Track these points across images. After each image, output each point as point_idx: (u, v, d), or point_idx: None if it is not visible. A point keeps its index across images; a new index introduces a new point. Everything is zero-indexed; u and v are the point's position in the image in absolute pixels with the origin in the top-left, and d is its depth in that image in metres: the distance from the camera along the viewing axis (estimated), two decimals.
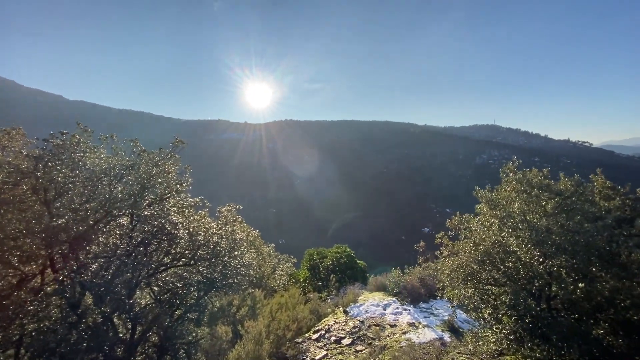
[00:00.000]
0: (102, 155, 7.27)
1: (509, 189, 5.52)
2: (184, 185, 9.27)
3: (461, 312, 10.65)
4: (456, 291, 6.25)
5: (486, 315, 5.46)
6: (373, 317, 10.54)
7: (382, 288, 13.22)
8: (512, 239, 5.06)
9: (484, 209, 6.18)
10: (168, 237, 8.51)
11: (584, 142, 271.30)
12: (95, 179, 7.09)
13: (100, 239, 7.78)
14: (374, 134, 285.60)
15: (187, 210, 9.26)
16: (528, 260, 4.75)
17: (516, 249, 4.91)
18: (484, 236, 5.52)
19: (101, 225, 7.51)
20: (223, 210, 9.66)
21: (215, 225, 9.36)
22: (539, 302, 4.82)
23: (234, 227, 9.60)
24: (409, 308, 10.97)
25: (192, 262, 9.10)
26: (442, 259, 7.58)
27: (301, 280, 18.26)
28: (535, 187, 5.09)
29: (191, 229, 8.61)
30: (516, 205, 5.17)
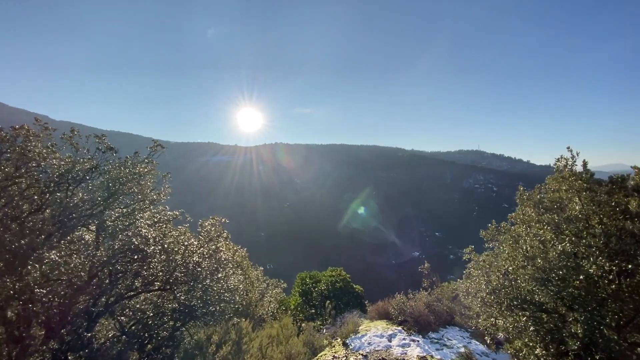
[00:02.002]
0: (59, 155, 6.02)
1: (564, 187, 4.57)
2: (161, 194, 8.03)
3: (477, 342, 9.40)
4: (498, 320, 5.09)
5: (538, 351, 4.29)
6: (377, 351, 9.14)
7: (384, 316, 11.84)
8: (581, 248, 4.05)
9: (529, 213, 5.15)
10: (139, 255, 7.15)
11: None
12: (49, 182, 5.83)
13: (53, 256, 6.39)
14: (363, 157, 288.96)
15: (164, 225, 7.96)
16: (598, 276, 3.73)
17: (583, 262, 3.88)
18: (539, 245, 4.46)
19: (54, 240, 6.15)
20: (206, 224, 8.38)
21: (196, 243, 8.05)
22: (619, 334, 3.76)
23: (219, 245, 8.30)
24: (418, 339, 9.63)
25: (167, 286, 7.71)
26: (469, 279, 6.46)
27: (292, 307, 16.65)
28: (602, 184, 4.16)
29: (167, 246, 7.29)
30: (577, 208, 4.20)
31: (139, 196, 6.82)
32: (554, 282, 3.95)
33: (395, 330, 10.25)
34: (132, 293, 7.80)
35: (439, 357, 8.54)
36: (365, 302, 17.17)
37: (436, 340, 9.53)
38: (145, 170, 6.85)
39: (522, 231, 4.98)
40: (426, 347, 9.08)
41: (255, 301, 11.32)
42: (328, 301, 13.74)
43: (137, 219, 6.75)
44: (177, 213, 8.49)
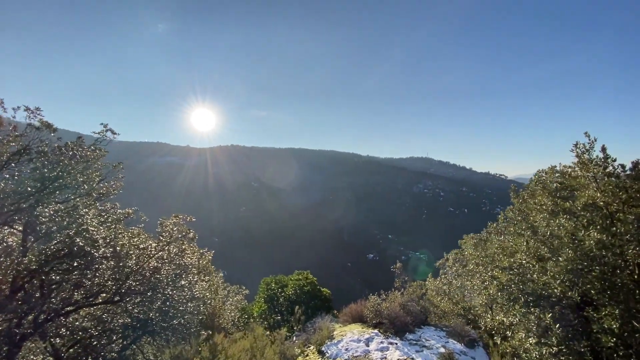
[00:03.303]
0: None
1: (582, 174, 4.45)
2: (111, 189, 6.77)
3: (454, 341, 9.32)
4: (510, 318, 4.77)
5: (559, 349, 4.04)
6: (356, 357, 8.63)
7: (358, 319, 11.40)
8: (610, 237, 3.90)
9: (545, 202, 4.88)
10: (83, 261, 5.85)
11: (501, 175, 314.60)
12: None
13: None
14: (321, 162, 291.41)
15: (113, 225, 6.69)
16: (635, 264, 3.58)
17: (624, 249, 3.71)
18: (568, 236, 4.21)
19: None
20: (167, 223, 7.21)
21: (154, 245, 6.87)
22: None
23: (183, 247, 7.19)
24: (396, 341, 9.31)
25: (116, 298, 6.44)
26: (470, 275, 6.17)
27: (255, 315, 15.56)
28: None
29: (118, 250, 6.08)
30: (598, 195, 4.06)
31: (84, 187, 5.54)
32: (594, 273, 3.75)
33: (372, 334, 9.84)
34: (70, 308, 6.40)
35: (420, 359, 8.27)
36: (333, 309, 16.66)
37: (414, 342, 9.28)
38: (93, 155, 5.62)
39: (542, 221, 4.79)
40: (406, 350, 8.77)
41: (219, 310, 10.20)
42: (297, 306, 12.97)
43: (82, 216, 5.47)
44: (130, 211, 7.23)
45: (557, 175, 5.10)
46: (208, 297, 7.79)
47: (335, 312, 15.27)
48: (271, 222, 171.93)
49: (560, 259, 4.07)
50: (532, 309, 4.32)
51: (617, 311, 3.57)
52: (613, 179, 4.07)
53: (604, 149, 4.42)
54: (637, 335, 3.61)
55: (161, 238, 6.93)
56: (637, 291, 3.69)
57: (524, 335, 4.42)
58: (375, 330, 10.09)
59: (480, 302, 5.39)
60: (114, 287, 6.13)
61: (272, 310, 15.10)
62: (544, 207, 4.90)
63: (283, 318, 14.47)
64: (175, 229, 7.06)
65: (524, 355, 4.76)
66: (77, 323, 6.71)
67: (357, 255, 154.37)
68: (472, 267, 6.35)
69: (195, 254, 7.70)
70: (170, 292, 6.75)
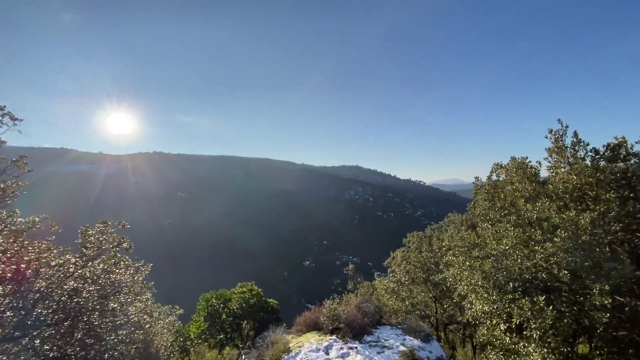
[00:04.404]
0: None
1: (556, 158, 4.75)
2: (9, 189, 5.24)
3: (410, 338, 9.44)
4: (491, 305, 4.72)
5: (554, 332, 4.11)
6: None
7: (313, 327, 10.85)
8: (590, 216, 4.13)
9: (527, 188, 5.01)
10: None
11: (420, 181, 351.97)
12: None
13: None
14: (255, 170, 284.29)
15: (12, 238, 5.13)
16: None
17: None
18: (562, 217, 4.33)
19: None
20: (91, 232, 5.77)
21: (74, 260, 5.43)
22: None
23: (113, 262, 5.82)
24: (355, 345, 9.02)
25: (17, 333, 4.88)
26: (448, 265, 6.11)
27: (194, 336, 13.87)
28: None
29: (22, 268, 4.62)
30: (574, 178, 4.33)
31: None
32: (593, 250, 3.95)
33: (331, 341, 9.41)
34: None
35: None
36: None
37: (374, 343, 9.13)
38: None
39: (524, 206, 4.99)
40: (367, 353, 8.55)
41: (154, 335, 8.63)
42: (245, 321, 11.86)
43: None
44: (37, 219, 5.65)
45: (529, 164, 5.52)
46: (146, 320, 6.44)
47: (284, 324, 14.49)
48: (200, 234, 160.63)
49: (555, 239, 4.29)
50: (518, 295, 4.47)
51: (606, 287, 3.85)
52: (587, 161, 4.51)
53: (575, 135, 4.88)
54: (626, 308, 3.95)
55: (84, 251, 5.48)
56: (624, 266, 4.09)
57: (498, 323, 4.55)
58: (333, 337, 9.69)
59: (461, 292, 5.42)
60: (14, 320, 4.59)
61: (214, 328, 13.62)
62: (525, 192, 5.21)
63: (227, 336, 13.14)
64: (103, 238, 5.67)
65: (496, 342, 4.89)
66: None
67: (293, 263, 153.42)
68: (450, 257, 6.43)
69: (131, 268, 6.33)
70: (96, 319, 5.37)
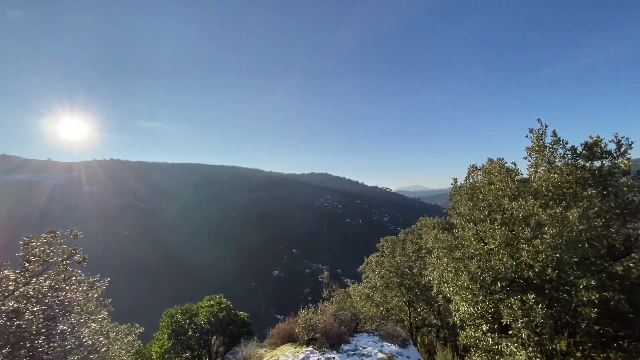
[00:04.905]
0: None
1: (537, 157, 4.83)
2: None
3: (388, 344, 9.32)
4: (480, 305, 4.66)
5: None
6: None
7: (287, 339, 10.39)
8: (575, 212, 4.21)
9: (511, 187, 5.00)
10: None
11: (386, 188, 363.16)
12: None
13: None
14: (221, 178, 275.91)
15: None
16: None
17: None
18: (552, 214, 4.33)
19: None
20: (36, 243, 5.01)
21: (14, 277, 4.68)
22: None
23: (63, 277, 5.09)
24: (333, 355, 8.72)
25: None
26: (432, 268, 5.98)
27: (156, 356, 12.78)
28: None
29: None
30: (555, 177, 4.42)
31: None
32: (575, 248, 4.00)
33: (307, 352, 9.04)
34: None
35: None
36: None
37: (352, 352, 8.89)
38: None
39: (509, 204, 5.02)
40: None
41: (111, 358, 7.69)
42: (214, 337, 11.11)
43: None
44: None
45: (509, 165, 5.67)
46: (102, 342, 5.68)
47: (256, 337, 13.81)
48: (162, 246, 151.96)
49: (545, 236, 4.35)
50: (504, 294, 4.49)
51: (593, 282, 3.94)
52: (568, 159, 4.69)
53: (554, 133, 5.07)
54: (611, 303, 4.06)
55: (27, 265, 4.73)
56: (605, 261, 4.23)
57: (480, 323, 4.54)
58: (310, 348, 9.32)
59: (447, 294, 5.36)
60: None
61: (179, 346, 12.62)
62: (508, 190, 5.30)
63: (194, 354, 12.24)
64: (50, 250, 4.94)
65: (480, 344, 4.88)
66: None
67: (262, 273, 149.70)
68: (433, 259, 6.39)
69: (85, 284, 5.58)
70: (42, 344, 4.63)
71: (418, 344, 11.42)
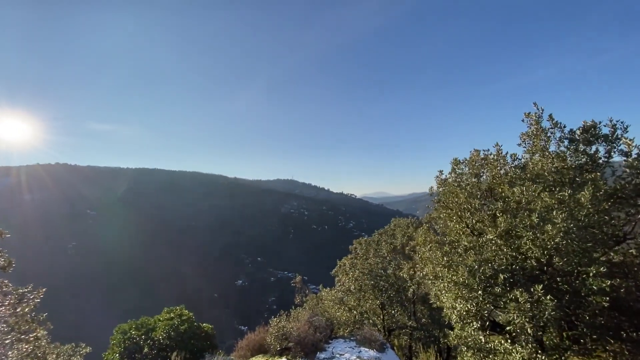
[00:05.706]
0: None
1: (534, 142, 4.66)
2: None
3: (365, 349, 8.93)
4: (481, 301, 4.37)
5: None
6: None
7: (258, 350, 9.63)
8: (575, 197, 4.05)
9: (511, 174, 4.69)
10: None
11: (352, 194, 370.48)
12: None
13: None
14: (182, 184, 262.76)
15: None
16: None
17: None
18: (552, 200, 4.10)
19: None
20: None
21: None
22: None
23: None
24: None
25: None
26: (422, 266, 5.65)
27: None
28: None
29: None
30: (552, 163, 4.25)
31: None
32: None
33: None
34: None
35: None
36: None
37: None
38: None
39: (515, 191, 4.77)
40: None
41: None
42: (174, 352, 10.02)
43: None
44: None
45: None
46: None
47: (221, 351, 12.79)
48: (114, 257, 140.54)
49: (555, 220, 4.19)
50: (504, 288, 4.29)
51: (602, 269, 3.83)
52: (567, 144, 4.66)
53: (551, 117, 5.03)
54: (621, 290, 3.98)
55: None
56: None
57: (471, 321, 4.32)
58: (283, 359, 8.67)
59: (441, 290, 5.07)
60: None
61: None
62: (507, 177, 5.17)
63: None
64: None
65: (471, 343, 4.66)
66: None
67: (225, 283, 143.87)
68: (425, 254, 6.09)
69: (10, 297, 4.55)
70: None
71: (395, 347, 11.18)
